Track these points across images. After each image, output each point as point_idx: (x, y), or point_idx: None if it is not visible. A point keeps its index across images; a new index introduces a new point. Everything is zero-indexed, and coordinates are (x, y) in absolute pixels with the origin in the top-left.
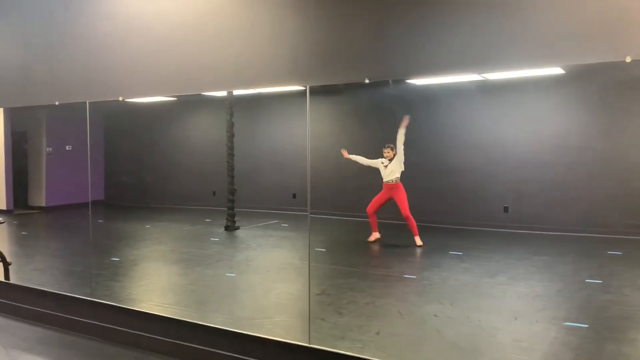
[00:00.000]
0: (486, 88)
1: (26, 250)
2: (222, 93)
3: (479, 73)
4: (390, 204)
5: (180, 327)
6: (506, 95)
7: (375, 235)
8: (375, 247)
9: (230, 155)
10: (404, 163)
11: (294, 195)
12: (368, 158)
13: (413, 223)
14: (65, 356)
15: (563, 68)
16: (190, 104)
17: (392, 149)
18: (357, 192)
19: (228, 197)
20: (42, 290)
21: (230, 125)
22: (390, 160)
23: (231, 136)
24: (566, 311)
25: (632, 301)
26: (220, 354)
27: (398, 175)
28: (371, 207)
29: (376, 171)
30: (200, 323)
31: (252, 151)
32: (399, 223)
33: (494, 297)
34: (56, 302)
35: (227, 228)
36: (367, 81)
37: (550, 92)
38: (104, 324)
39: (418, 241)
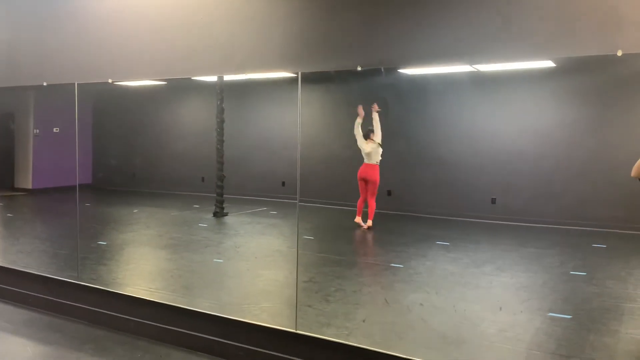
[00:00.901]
0: (477, 80)
1: (12, 232)
2: (213, 78)
3: (471, 64)
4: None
5: (168, 312)
6: (497, 87)
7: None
8: (363, 236)
9: (220, 141)
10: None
11: (283, 183)
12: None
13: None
14: (51, 339)
15: (554, 61)
16: (180, 88)
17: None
18: (345, 181)
19: (217, 184)
20: (28, 273)
21: (220, 111)
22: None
23: (221, 122)
24: (550, 302)
25: (615, 293)
26: (207, 339)
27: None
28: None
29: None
30: (188, 308)
31: (242, 138)
32: (388, 213)
33: (479, 287)
34: (42, 284)
35: (215, 214)
36: (359, 69)
37: (540, 86)
38: (91, 307)
39: (368, 223)
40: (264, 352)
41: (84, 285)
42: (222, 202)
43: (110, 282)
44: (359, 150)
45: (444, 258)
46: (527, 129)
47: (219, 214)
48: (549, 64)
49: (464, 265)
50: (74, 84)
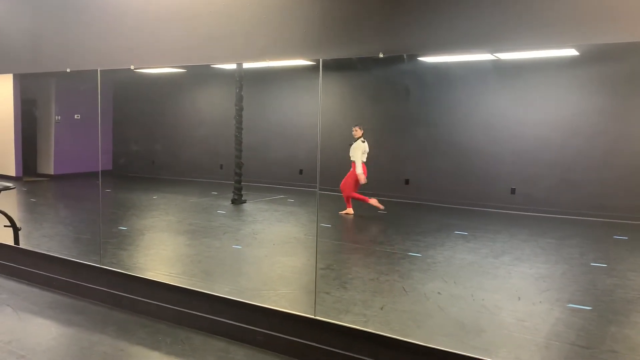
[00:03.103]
0: (498, 68)
1: (35, 216)
2: (232, 66)
3: (493, 52)
4: (401, 184)
5: (188, 296)
6: (518, 75)
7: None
8: (381, 225)
9: (239, 128)
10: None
11: (301, 171)
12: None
13: (347, 196)
14: (74, 321)
15: (577, 49)
16: (200, 76)
17: (360, 129)
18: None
19: (235, 171)
20: (52, 256)
21: (239, 99)
22: (356, 139)
23: (240, 109)
24: (570, 293)
25: (636, 285)
26: (227, 323)
27: (352, 158)
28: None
29: (383, 149)
30: (207, 292)
31: (260, 125)
32: (406, 202)
33: (498, 277)
34: (66, 268)
35: (233, 201)
36: (381, 55)
37: (562, 74)
38: (113, 291)
39: (349, 210)
40: (283, 337)
41: (106, 269)
42: (240, 190)
43: (131, 266)
44: (377, 139)
45: (462, 248)
46: (548, 118)
47: (237, 201)
48: (571, 52)
49: (483, 255)
50: (97, 70)
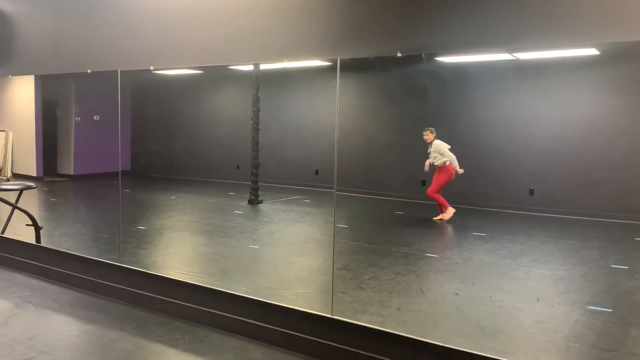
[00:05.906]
0: (516, 67)
1: (55, 215)
2: (249, 67)
3: (511, 52)
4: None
5: (206, 295)
6: (536, 75)
7: (443, 215)
8: (398, 226)
9: (255, 129)
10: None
11: (317, 172)
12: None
13: (437, 201)
14: (94, 318)
15: (597, 48)
16: (217, 77)
17: (431, 132)
18: (380, 170)
19: (252, 171)
20: (73, 254)
21: (256, 100)
22: (430, 143)
23: (257, 110)
24: (590, 295)
25: None
26: (244, 322)
27: (441, 161)
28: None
29: (400, 150)
30: (225, 291)
31: (277, 126)
32: (423, 203)
33: (516, 278)
34: (86, 266)
35: (250, 201)
36: (399, 55)
37: (582, 74)
38: (132, 289)
39: (440, 216)
40: (301, 336)
41: (125, 268)
42: (256, 190)
43: (149, 265)
44: (394, 139)
45: (480, 249)
46: (567, 118)
47: (254, 201)
48: (592, 51)
49: (501, 256)
50: (117, 71)
